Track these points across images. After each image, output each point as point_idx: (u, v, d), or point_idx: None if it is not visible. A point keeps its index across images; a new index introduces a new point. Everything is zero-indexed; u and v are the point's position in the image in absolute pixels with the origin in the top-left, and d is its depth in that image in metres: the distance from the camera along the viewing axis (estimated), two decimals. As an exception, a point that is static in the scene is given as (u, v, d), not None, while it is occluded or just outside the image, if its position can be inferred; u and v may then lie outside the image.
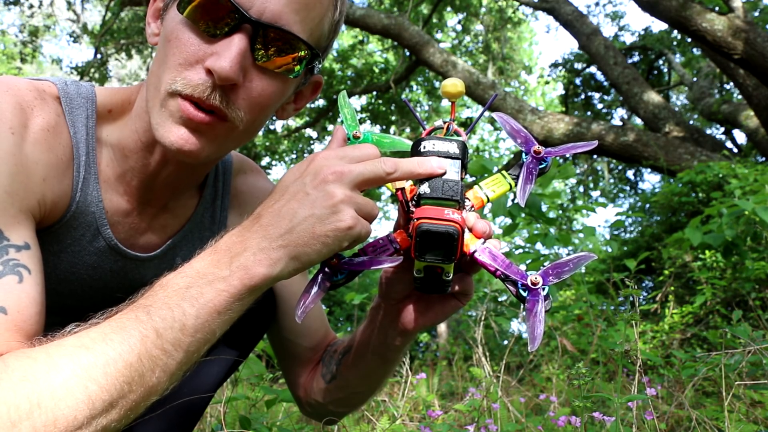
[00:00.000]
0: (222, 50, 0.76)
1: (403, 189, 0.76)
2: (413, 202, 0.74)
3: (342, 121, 0.83)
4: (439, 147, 0.73)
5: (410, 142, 0.79)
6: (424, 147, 0.74)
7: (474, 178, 0.81)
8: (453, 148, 0.73)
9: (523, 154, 0.79)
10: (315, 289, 0.72)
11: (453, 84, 0.76)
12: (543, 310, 0.69)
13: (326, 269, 0.72)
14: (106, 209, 0.90)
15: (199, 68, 0.77)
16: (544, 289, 0.70)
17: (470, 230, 0.74)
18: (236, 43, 0.76)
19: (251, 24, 0.76)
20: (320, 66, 0.89)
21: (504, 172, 0.81)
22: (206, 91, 0.77)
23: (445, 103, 12.75)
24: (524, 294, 0.70)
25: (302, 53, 0.81)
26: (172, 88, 0.78)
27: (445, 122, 0.78)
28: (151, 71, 0.83)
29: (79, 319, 1.01)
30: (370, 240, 0.77)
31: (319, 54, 0.85)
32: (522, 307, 0.72)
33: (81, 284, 0.94)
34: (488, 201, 0.79)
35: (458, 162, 0.73)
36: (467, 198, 0.77)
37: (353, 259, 0.73)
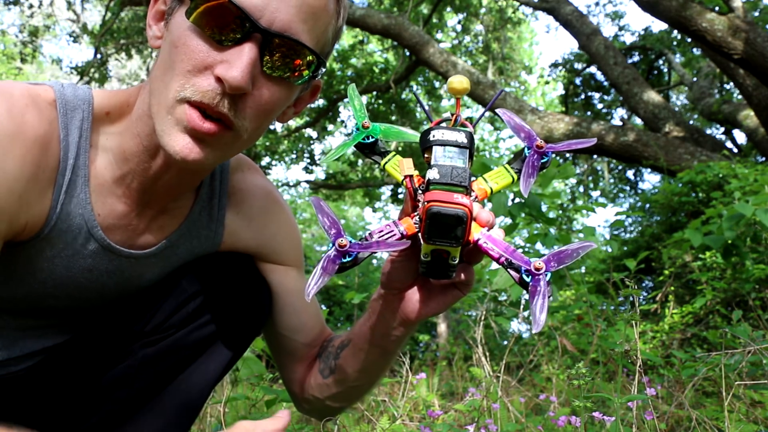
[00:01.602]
0: (233, 59, 0.76)
1: (411, 176, 0.77)
2: (421, 189, 0.75)
3: (352, 113, 0.85)
4: (448, 136, 0.75)
5: (417, 134, 0.81)
6: (434, 136, 0.75)
7: (474, 177, 0.81)
8: (461, 137, 0.75)
9: (526, 149, 0.81)
10: (322, 270, 0.72)
11: (459, 81, 0.77)
12: (546, 296, 0.70)
13: (335, 251, 0.72)
14: (97, 212, 0.90)
15: (208, 75, 0.77)
16: (546, 275, 0.71)
17: (474, 219, 0.76)
18: (247, 52, 0.76)
19: (261, 33, 0.77)
20: (323, 72, 0.89)
21: (507, 165, 0.83)
22: (216, 98, 0.77)
23: (445, 103, 12.77)
24: (527, 279, 0.72)
25: (309, 61, 0.82)
26: (181, 95, 0.78)
27: (453, 114, 0.80)
28: (155, 76, 0.83)
29: (74, 320, 1.01)
30: (376, 226, 0.78)
31: (324, 61, 0.86)
32: (523, 301, 0.73)
33: (77, 287, 0.94)
34: (492, 193, 0.81)
35: (466, 151, 0.75)
36: (472, 189, 0.79)
37: (361, 242, 0.74)
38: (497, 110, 0.86)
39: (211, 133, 0.79)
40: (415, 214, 0.77)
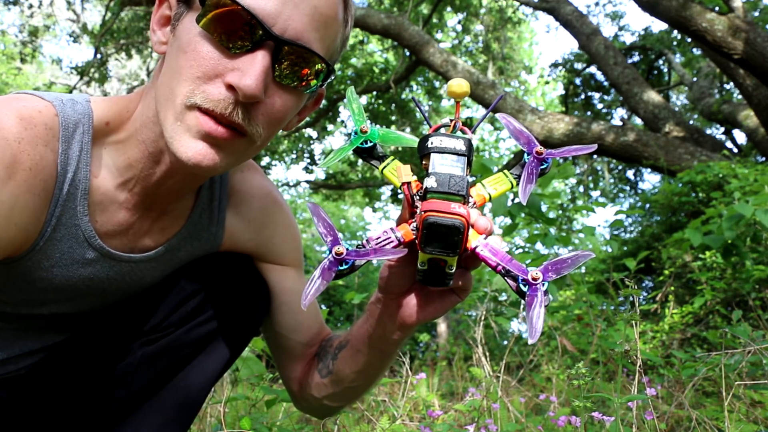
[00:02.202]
0: (245, 67, 0.76)
1: (408, 183, 0.77)
2: (419, 196, 0.75)
3: (350, 116, 0.85)
4: (446, 143, 0.74)
5: (416, 139, 0.80)
6: (432, 143, 0.75)
7: (474, 178, 0.82)
8: (459, 144, 0.74)
9: (525, 155, 0.81)
10: (319, 278, 0.72)
11: (459, 84, 0.76)
12: (543, 305, 0.70)
13: (332, 258, 0.72)
14: (95, 221, 0.90)
15: (218, 83, 0.77)
16: (543, 284, 0.71)
17: (472, 226, 0.75)
18: (260, 60, 0.76)
19: (274, 41, 0.76)
20: (332, 80, 0.89)
21: (506, 171, 0.82)
22: (228, 107, 0.76)
23: (445, 103, 12.77)
24: (524, 289, 0.71)
25: (319, 69, 0.82)
26: (190, 101, 0.77)
27: (451, 120, 0.79)
28: (162, 83, 0.82)
29: (74, 321, 1.01)
30: (374, 232, 0.78)
31: (333, 70, 0.86)
32: (522, 304, 0.73)
33: (78, 293, 0.95)
34: (490, 199, 0.80)
35: (464, 159, 0.74)
36: (470, 195, 0.78)
37: (358, 249, 0.74)
38: (498, 115, 0.86)
39: (226, 137, 0.78)
40: (413, 220, 0.76)
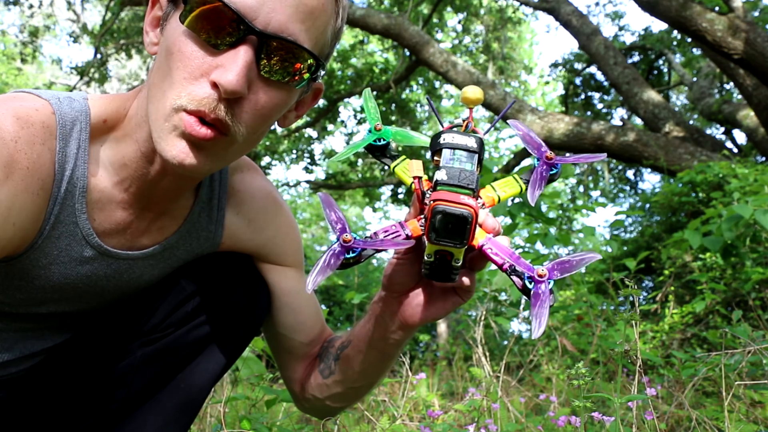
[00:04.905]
0: (227, 63, 0.75)
1: (420, 178, 0.78)
2: (429, 192, 0.76)
3: (366, 115, 0.88)
4: (458, 140, 0.76)
5: (427, 138, 0.82)
6: (444, 139, 0.76)
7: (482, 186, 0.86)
8: (471, 142, 0.76)
9: (535, 160, 0.82)
10: (326, 264, 0.72)
11: (473, 92, 0.79)
12: (548, 302, 0.71)
13: (339, 246, 0.72)
14: (93, 219, 0.89)
15: (203, 82, 0.76)
16: (549, 282, 0.72)
17: (480, 225, 0.77)
18: (242, 55, 0.75)
19: (257, 35, 0.75)
20: (323, 74, 0.89)
21: (516, 175, 0.84)
22: (212, 104, 0.76)
23: (445, 103, 12.79)
24: (530, 286, 0.73)
25: (307, 63, 0.81)
26: (177, 104, 0.77)
27: (464, 120, 0.81)
28: (153, 83, 0.82)
29: (74, 321, 1.01)
30: (382, 226, 0.79)
31: (323, 63, 0.85)
32: (525, 302, 0.74)
33: (76, 292, 0.94)
34: (499, 201, 0.82)
35: (475, 156, 0.76)
36: (479, 197, 0.80)
37: (366, 238, 0.74)
38: (509, 121, 0.88)
39: (207, 138, 0.78)
40: (421, 216, 0.77)
